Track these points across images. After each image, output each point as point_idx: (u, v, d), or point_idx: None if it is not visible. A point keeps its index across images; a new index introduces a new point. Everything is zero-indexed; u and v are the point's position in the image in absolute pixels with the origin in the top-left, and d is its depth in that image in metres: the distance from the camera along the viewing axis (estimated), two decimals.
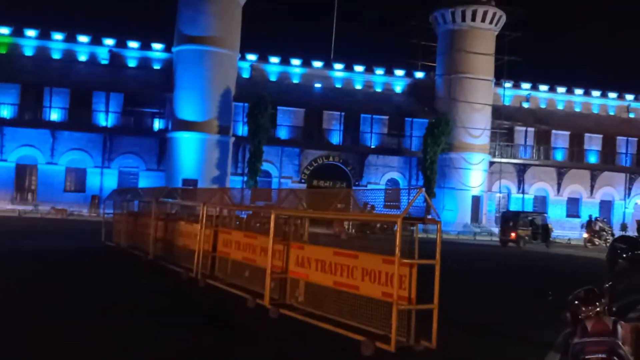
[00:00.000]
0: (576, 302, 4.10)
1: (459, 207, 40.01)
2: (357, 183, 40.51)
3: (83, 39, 38.56)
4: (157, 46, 39.51)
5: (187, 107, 36.18)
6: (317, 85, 41.41)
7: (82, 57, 38.58)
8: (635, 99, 47.82)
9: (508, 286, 13.27)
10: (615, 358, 3.60)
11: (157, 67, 39.33)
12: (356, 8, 74.25)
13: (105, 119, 37.18)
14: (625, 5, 78.64)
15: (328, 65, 42.27)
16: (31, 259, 13.15)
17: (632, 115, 47.49)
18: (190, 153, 36.01)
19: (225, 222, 11.43)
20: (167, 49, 39.02)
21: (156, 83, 37.74)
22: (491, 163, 41.62)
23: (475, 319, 9.02)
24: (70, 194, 36.69)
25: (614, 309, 4.45)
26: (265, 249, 8.92)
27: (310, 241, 8.66)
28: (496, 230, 39.13)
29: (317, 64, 42.00)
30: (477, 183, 40.36)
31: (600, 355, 3.63)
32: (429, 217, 7.22)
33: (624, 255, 4.81)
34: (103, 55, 38.79)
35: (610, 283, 4.44)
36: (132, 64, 39.16)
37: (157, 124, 38.13)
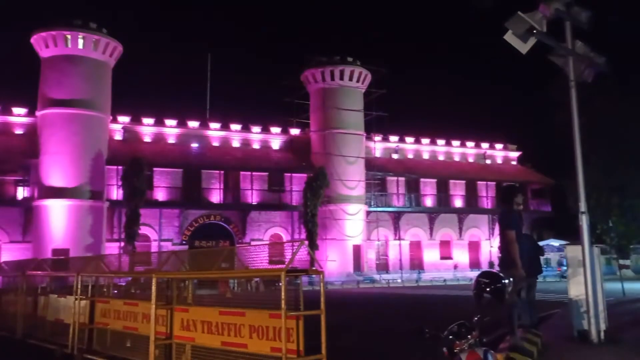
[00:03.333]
0: (450, 337, 4.41)
1: (341, 257, 40.97)
2: (240, 241, 40.17)
3: None
4: (18, 110, 37.22)
5: (54, 173, 34.17)
6: (194, 145, 41.12)
7: None
8: (490, 147, 52.74)
9: (389, 327, 13.72)
10: None
11: (19, 132, 36.97)
12: (230, 67, 75.51)
13: None
14: (477, 61, 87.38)
15: (204, 125, 42.28)
16: None
17: (488, 162, 52.18)
18: (60, 221, 33.81)
19: (103, 292, 10.86)
20: (30, 113, 36.90)
21: (19, 149, 35.34)
22: (368, 212, 43.34)
23: None
24: None
25: (484, 340, 4.83)
26: (147, 315, 8.59)
27: (195, 303, 8.49)
28: (378, 277, 40.49)
29: (193, 123, 41.85)
30: (357, 232, 41.72)
31: None
32: (313, 268, 7.41)
33: (487, 289, 5.27)
34: None
35: (479, 316, 4.81)
36: None
37: (22, 193, 35.50)
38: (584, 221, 8.93)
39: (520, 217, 8.47)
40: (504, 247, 8.10)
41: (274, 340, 6.74)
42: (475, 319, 4.55)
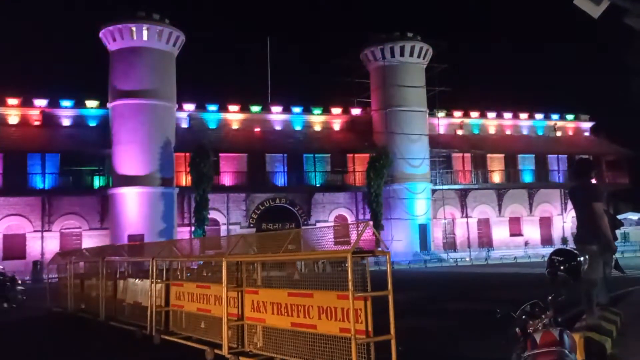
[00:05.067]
0: (524, 317, 4.28)
1: (407, 236, 40.66)
2: (305, 222, 40.60)
3: (13, 101, 37.64)
4: (90, 103, 38.96)
5: (127, 162, 35.62)
6: (257, 129, 41.71)
7: (13, 120, 37.60)
8: (561, 118, 50.56)
9: (458, 307, 13.53)
10: None
11: (92, 124, 38.71)
12: (289, 50, 75.76)
13: (42, 181, 36.06)
14: (542, 28, 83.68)
15: (266, 109, 42.76)
16: None
17: (559, 134, 50.08)
18: (134, 208, 35.29)
19: (176, 275, 11.25)
20: (102, 105, 38.53)
21: (93, 140, 37.08)
22: (434, 191, 42.69)
23: (432, 344, 9.15)
24: (9, 261, 34.94)
25: (559, 319, 4.65)
26: (219, 297, 8.84)
27: (264, 285, 8.64)
28: (445, 256, 39.97)
29: (255, 108, 42.42)
30: (422, 211, 41.23)
31: None
32: (379, 249, 7.36)
33: (562, 268, 5.07)
34: (35, 116, 37.92)
35: (553, 295, 4.64)
36: (66, 123, 38.40)
37: (98, 182, 37.29)
38: None
39: None
40: (587, 221, 7.73)
41: (342, 321, 6.77)
42: (550, 298, 4.40)
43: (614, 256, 8.30)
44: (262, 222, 40.20)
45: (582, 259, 5.10)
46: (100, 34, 37.46)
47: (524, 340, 4.17)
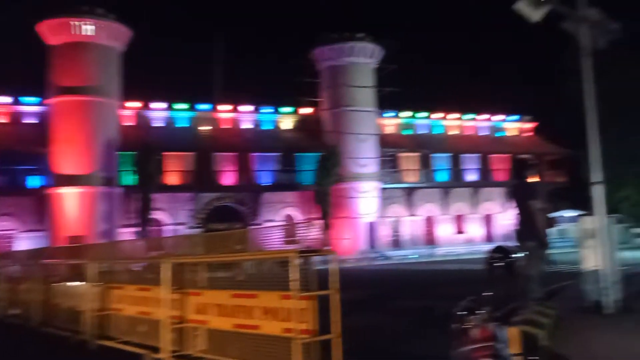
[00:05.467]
0: (461, 313, 4.32)
1: (355, 235, 41.00)
2: (253, 222, 40.28)
3: None
4: (28, 99, 37.43)
5: (67, 161, 34.45)
6: (205, 127, 41.11)
7: None
8: (504, 119, 52.11)
9: (402, 305, 13.67)
10: None
11: (30, 121, 37.19)
12: (239, 48, 74.92)
13: None
14: (487, 31, 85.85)
15: (214, 107, 42.19)
16: None
17: (502, 134, 51.62)
18: (74, 209, 34.16)
19: (117, 277, 10.89)
20: (41, 102, 37.09)
21: (31, 138, 35.61)
22: (382, 190, 43.18)
23: (383, 342, 9.19)
24: None
25: (497, 314, 4.72)
26: (160, 300, 8.60)
27: (209, 286, 8.47)
28: (392, 254, 40.50)
29: (203, 106, 41.78)
30: (371, 210, 41.65)
31: None
32: (325, 248, 7.33)
33: (499, 264, 5.16)
34: None
35: (491, 291, 4.71)
36: (1, 119, 36.76)
37: (35, 181, 35.86)
38: (597, 192, 8.80)
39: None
40: (525, 219, 7.99)
41: (286, 321, 6.71)
42: (487, 294, 4.46)
43: (547, 252, 8.58)
44: (209, 222, 39.60)
45: (518, 255, 5.20)
46: (38, 28, 36.04)
47: (461, 336, 4.21)
